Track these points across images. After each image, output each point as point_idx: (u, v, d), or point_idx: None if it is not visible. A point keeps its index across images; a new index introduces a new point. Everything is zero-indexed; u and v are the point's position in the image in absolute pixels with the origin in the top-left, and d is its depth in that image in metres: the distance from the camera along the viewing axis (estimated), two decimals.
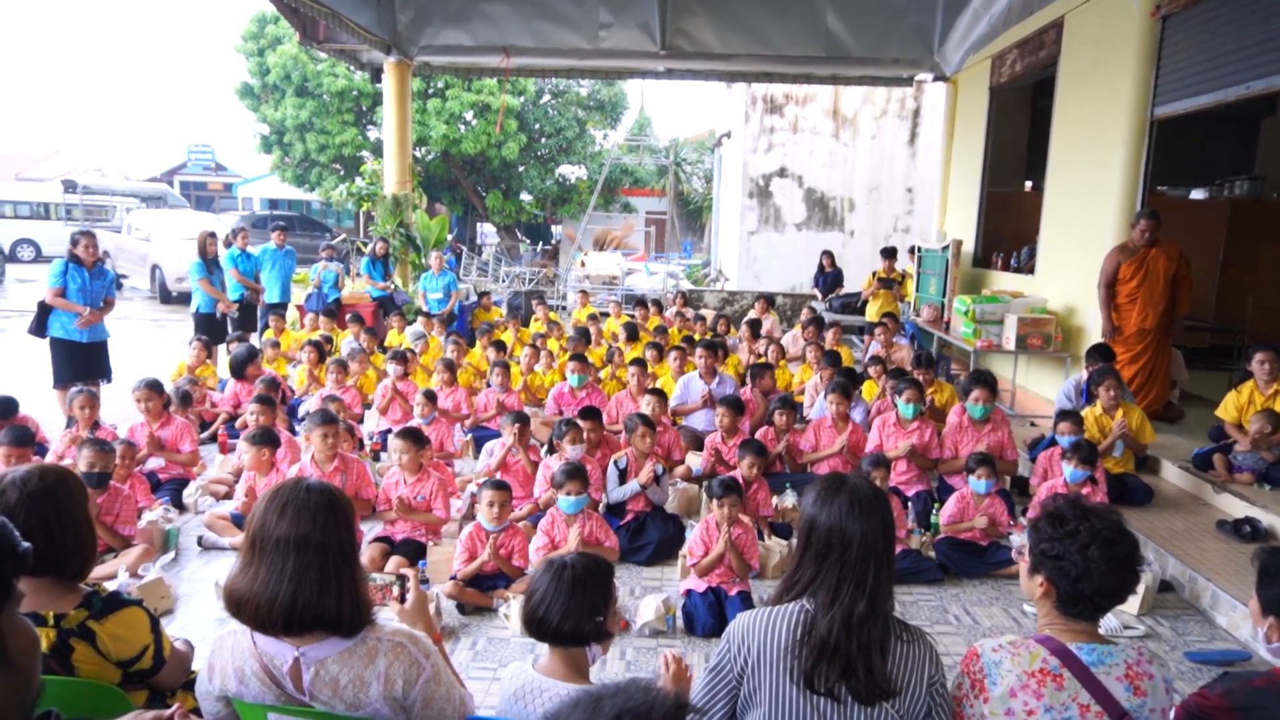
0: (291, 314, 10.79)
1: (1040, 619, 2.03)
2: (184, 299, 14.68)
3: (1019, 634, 1.96)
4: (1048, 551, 1.94)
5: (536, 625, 2.08)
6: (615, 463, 5.23)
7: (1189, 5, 6.34)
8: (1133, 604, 4.38)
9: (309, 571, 1.91)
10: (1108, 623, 4.15)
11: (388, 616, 2.24)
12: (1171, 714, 2.06)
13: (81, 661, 2.12)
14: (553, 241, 29.02)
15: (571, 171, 26.95)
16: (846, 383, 6.16)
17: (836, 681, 1.88)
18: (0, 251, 20.28)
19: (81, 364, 7.07)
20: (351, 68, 13.61)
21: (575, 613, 2.04)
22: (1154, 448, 6.12)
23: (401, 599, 2.27)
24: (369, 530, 5.01)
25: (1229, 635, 4.22)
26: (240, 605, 1.93)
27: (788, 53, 11.29)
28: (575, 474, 4.42)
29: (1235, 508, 5.33)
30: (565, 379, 7.28)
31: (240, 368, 7.34)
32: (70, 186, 24.53)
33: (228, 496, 5.62)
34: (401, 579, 2.28)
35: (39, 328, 7.04)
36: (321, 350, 8.00)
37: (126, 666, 2.19)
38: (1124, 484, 5.61)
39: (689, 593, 4.25)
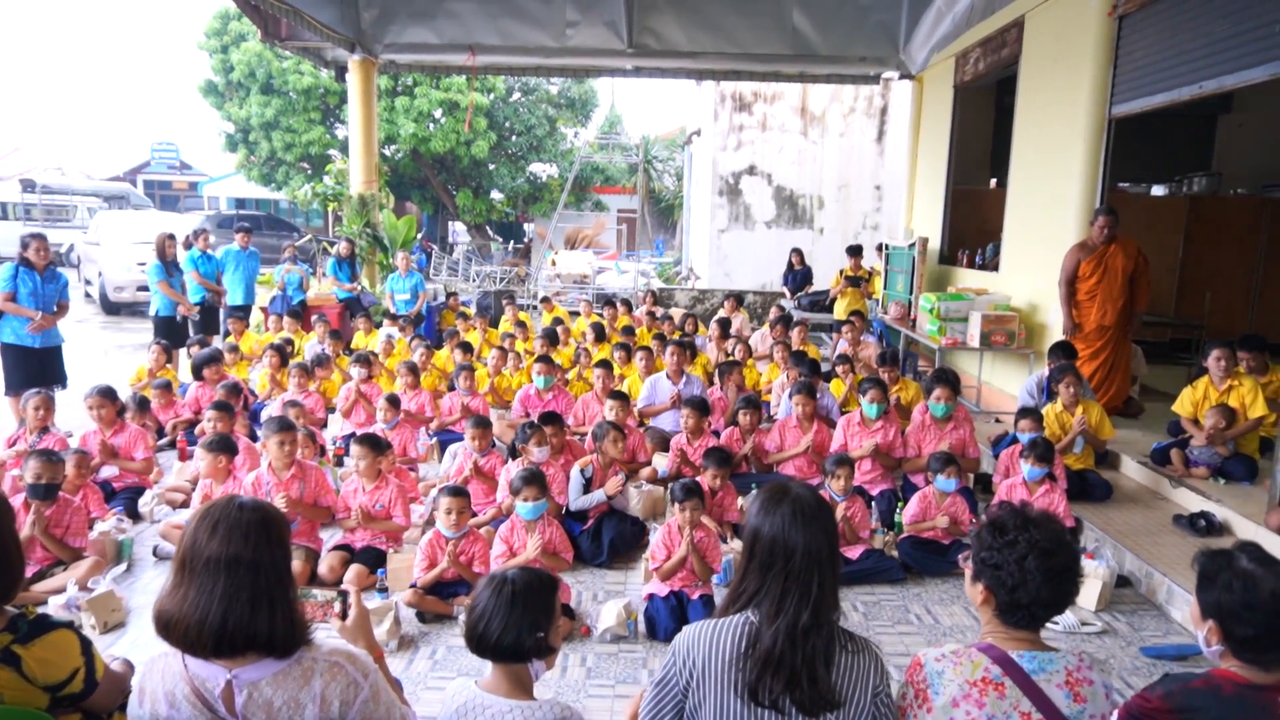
0: (256, 316, 10.63)
1: (983, 626, 2.03)
2: (129, 310, 14.33)
3: (975, 635, 1.96)
4: (987, 560, 1.94)
5: (476, 641, 2.04)
6: (581, 471, 5.18)
7: (1144, 5, 6.41)
8: (1090, 599, 4.43)
9: (240, 592, 1.86)
10: (1065, 619, 4.19)
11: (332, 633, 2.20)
12: (1114, 717, 2.07)
13: (5, 687, 2.05)
14: (524, 240, 28.87)
15: (542, 169, 26.85)
16: (811, 383, 6.17)
17: (781, 694, 1.86)
18: None
19: (34, 370, 6.90)
20: (316, 65, 13.43)
21: (515, 628, 2.01)
22: (1114, 443, 6.20)
23: (343, 615, 2.22)
24: (328, 538, 4.94)
25: (1184, 629, 4.28)
26: (169, 627, 1.88)
27: (755, 50, 11.31)
28: (532, 479, 4.36)
29: (1191, 502, 5.40)
30: (532, 380, 7.23)
31: (200, 369, 7.21)
32: (29, 186, 23.96)
33: (185, 505, 5.51)
34: (343, 595, 2.24)
35: None
36: (283, 354, 7.88)
37: (55, 691, 2.12)
38: (1084, 480, 5.66)
39: (651, 597, 4.23)
